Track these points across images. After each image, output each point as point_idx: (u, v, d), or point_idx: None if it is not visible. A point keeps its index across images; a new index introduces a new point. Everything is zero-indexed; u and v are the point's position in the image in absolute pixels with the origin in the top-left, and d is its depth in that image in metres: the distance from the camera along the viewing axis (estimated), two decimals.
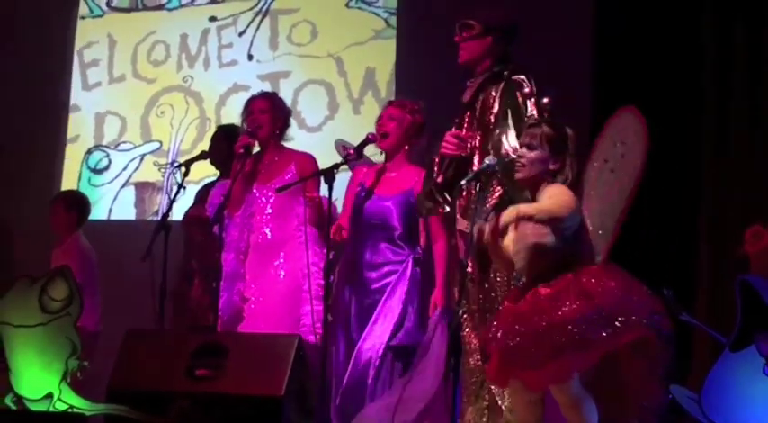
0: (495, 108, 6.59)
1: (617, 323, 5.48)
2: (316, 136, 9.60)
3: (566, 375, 5.64)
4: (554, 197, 5.62)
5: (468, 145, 6.61)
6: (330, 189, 7.02)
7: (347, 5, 10.05)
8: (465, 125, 6.70)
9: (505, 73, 6.64)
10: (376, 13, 9.99)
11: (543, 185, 5.74)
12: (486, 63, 6.71)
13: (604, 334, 5.48)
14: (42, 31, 10.59)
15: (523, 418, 6.00)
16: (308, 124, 9.62)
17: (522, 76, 6.57)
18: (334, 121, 9.94)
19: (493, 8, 6.89)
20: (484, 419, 6.46)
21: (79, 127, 10.42)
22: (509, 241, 5.82)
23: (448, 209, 6.69)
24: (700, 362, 7.84)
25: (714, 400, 6.93)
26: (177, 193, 7.82)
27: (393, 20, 9.89)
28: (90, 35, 10.51)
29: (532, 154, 5.77)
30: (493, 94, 6.62)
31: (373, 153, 7.79)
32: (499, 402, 6.42)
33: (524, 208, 5.62)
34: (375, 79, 9.89)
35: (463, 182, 6.45)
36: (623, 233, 5.85)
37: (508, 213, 5.69)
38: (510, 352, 5.67)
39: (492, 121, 6.56)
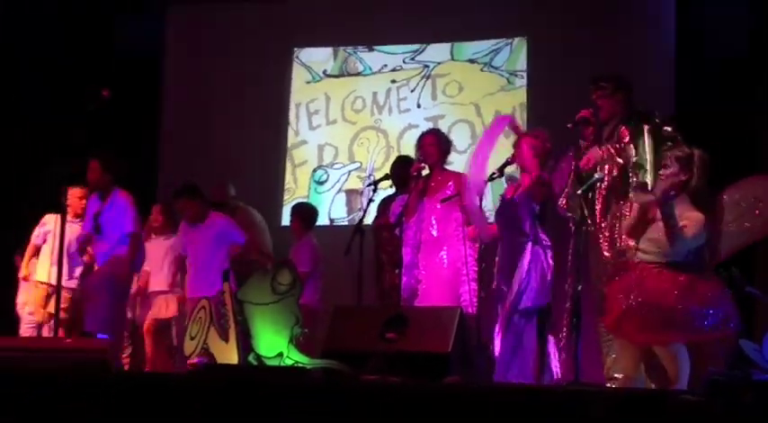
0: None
1: (715, 322, 5.60)
2: (463, 157, 9.57)
3: (668, 342, 5.72)
4: (692, 227, 5.70)
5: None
6: (480, 199, 6.95)
7: (481, 70, 10.42)
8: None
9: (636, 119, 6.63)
10: (501, 74, 10.36)
11: (681, 197, 5.82)
12: (620, 113, 6.65)
13: (702, 327, 5.60)
14: (265, 89, 10.90)
15: (625, 366, 6.01)
16: (458, 149, 9.54)
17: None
18: (474, 146, 9.86)
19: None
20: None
21: (307, 154, 10.75)
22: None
23: None
24: (761, 321, 7.53)
25: None
26: (368, 205, 7.79)
27: (512, 79, 10.29)
28: (313, 94, 10.84)
29: (667, 171, 5.87)
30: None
31: None
32: (610, 352, 6.28)
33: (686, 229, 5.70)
34: None
35: (579, 191, 6.51)
36: None
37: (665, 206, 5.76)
38: (632, 312, 5.70)
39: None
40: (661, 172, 5.94)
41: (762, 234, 5.89)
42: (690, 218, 5.70)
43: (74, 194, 8.50)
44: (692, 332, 5.59)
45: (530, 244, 6.78)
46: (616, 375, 6.26)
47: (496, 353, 6.75)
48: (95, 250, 8.18)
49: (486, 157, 7.03)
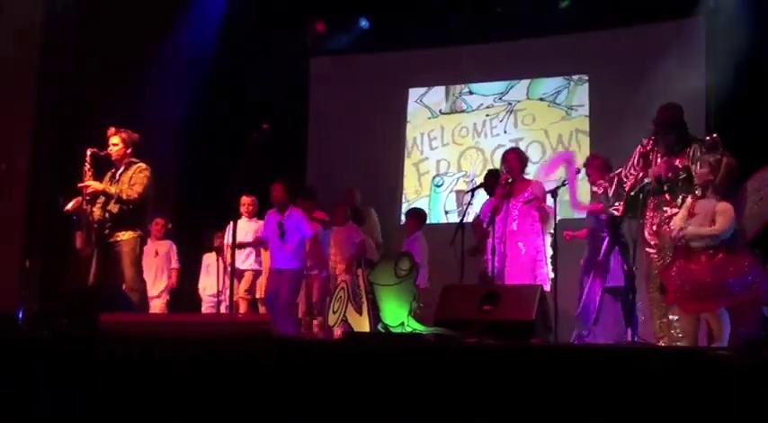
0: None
1: (744, 287, 5.54)
2: (536, 167, 9.47)
3: (711, 309, 5.69)
4: (722, 221, 5.64)
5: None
6: (555, 201, 6.94)
7: (548, 106, 10.60)
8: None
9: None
10: (561, 109, 10.53)
11: (711, 193, 5.79)
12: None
13: (735, 293, 5.55)
14: (389, 119, 11.16)
15: (685, 328, 5.97)
16: (533, 161, 9.48)
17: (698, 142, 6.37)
18: (544, 159, 10.31)
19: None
20: (663, 329, 6.27)
21: (429, 166, 11.11)
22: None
23: None
24: None
25: None
26: (467, 206, 7.68)
27: (570, 111, 10.46)
28: (432, 126, 11.18)
29: (701, 170, 5.88)
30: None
31: None
32: (672, 318, 6.16)
33: (706, 233, 5.67)
34: (563, 140, 10.43)
35: (632, 193, 6.37)
36: None
37: (695, 233, 5.72)
38: (681, 290, 5.72)
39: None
40: (697, 171, 5.95)
41: None
42: (719, 211, 5.70)
43: (245, 201, 8.72)
44: (727, 298, 5.59)
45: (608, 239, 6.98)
46: (672, 332, 6.21)
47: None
48: (279, 252, 8.24)
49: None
